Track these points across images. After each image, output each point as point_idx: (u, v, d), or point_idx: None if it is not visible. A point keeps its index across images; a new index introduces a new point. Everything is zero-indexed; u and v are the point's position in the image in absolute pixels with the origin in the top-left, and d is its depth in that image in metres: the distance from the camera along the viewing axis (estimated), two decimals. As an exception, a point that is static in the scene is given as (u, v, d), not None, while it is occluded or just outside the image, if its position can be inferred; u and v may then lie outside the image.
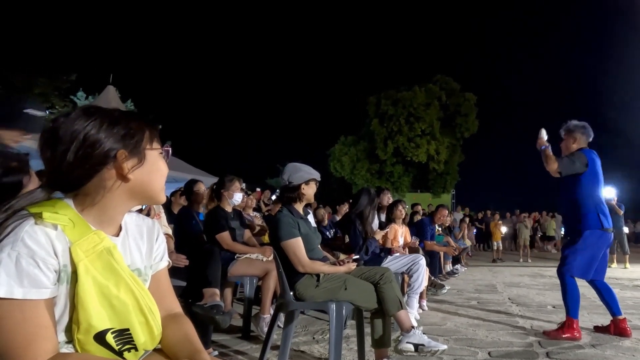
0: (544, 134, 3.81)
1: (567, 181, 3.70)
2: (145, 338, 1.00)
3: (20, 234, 0.87)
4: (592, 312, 4.56)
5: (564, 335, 3.47)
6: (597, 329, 3.79)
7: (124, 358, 0.98)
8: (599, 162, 3.72)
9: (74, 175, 0.95)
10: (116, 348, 0.96)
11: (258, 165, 34.82)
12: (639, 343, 3.39)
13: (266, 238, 4.74)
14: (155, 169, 1.04)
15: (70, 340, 0.94)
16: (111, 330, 0.95)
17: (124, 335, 0.97)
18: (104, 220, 1.01)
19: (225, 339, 3.42)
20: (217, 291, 3.00)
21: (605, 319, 4.23)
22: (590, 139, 3.84)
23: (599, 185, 3.68)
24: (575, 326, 3.50)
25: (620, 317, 3.64)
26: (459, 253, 8.80)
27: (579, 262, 3.58)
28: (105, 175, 0.97)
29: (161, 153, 1.07)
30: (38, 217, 0.90)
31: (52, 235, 0.91)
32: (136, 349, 0.99)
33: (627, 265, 9.97)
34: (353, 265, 2.86)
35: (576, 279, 3.64)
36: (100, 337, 0.93)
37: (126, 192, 1.01)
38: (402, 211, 5.14)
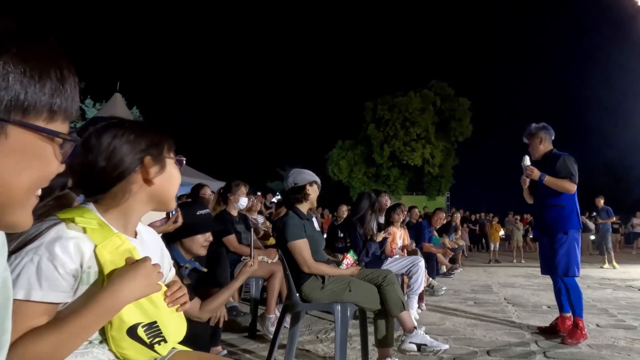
0: (527, 161, 3.69)
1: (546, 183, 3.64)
2: (172, 329, 1.09)
3: (46, 239, 0.93)
4: (587, 312, 4.66)
5: (581, 339, 3.44)
6: (540, 329, 3.89)
7: (155, 351, 1.05)
8: None
9: (106, 179, 1.05)
10: (147, 341, 1.03)
11: (258, 169, 34.86)
12: (634, 343, 3.47)
13: (271, 241, 4.83)
14: (172, 176, 1.15)
15: (103, 339, 1.01)
16: (141, 324, 1.02)
17: (153, 328, 1.04)
18: (125, 224, 1.10)
19: (232, 338, 3.50)
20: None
21: (600, 319, 4.36)
22: (553, 137, 3.83)
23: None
24: (583, 325, 3.55)
25: (567, 314, 3.77)
26: (454, 253, 8.94)
27: (576, 261, 3.64)
28: (132, 179, 1.07)
29: (176, 162, 1.18)
30: (69, 221, 0.98)
31: (80, 239, 0.97)
32: (165, 341, 1.07)
33: (614, 264, 10.24)
34: (357, 268, 2.96)
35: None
36: (132, 332, 1.00)
37: (146, 196, 1.11)
38: (400, 215, 5.25)
